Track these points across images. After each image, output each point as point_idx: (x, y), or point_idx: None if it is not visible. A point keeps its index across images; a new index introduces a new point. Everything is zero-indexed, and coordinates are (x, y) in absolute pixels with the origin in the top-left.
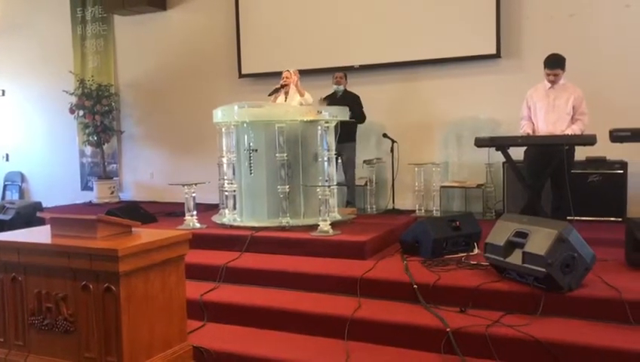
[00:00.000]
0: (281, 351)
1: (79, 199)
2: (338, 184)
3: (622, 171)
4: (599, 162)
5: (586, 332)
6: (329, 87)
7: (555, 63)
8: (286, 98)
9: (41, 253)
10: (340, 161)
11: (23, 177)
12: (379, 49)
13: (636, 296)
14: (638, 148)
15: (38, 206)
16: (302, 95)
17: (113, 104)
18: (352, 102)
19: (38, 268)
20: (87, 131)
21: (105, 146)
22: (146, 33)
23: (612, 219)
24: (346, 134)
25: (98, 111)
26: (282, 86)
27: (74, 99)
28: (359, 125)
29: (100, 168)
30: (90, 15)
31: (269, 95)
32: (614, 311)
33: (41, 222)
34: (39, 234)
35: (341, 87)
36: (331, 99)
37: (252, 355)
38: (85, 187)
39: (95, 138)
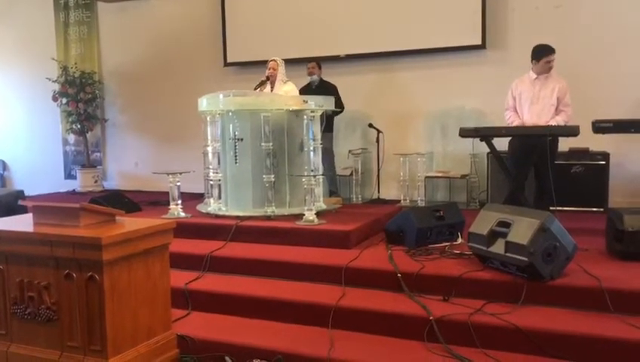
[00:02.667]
0: (265, 339)
1: (62, 188)
2: (323, 174)
3: (604, 162)
4: (582, 153)
5: (566, 320)
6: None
7: (551, 49)
8: (272, 88)
9: (23, 241)
10: None
11: (4, 165)
12: (365, 38)
13: (616, 284)
14: (620, 139)
15: (20, 194)
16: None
17: (97, 92)
18: (328, 92)
19: (20, 256)
20: (70, 119)
21: (88, 135)
22: (130, 20)
23: (594, 209)
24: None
25: (82, 99)
26: (268, 78)
27: (57, 87)
28: (337, 115)
29: (84, 157)
30: (73, 2)
31: (255, 89)
32: (595, 299)
33: (23, 210)
34: (21, 223)
35: (315, 77)
36: (306, 90)
37: (236, 343)
38: (69, 176)
39: (78, 126)
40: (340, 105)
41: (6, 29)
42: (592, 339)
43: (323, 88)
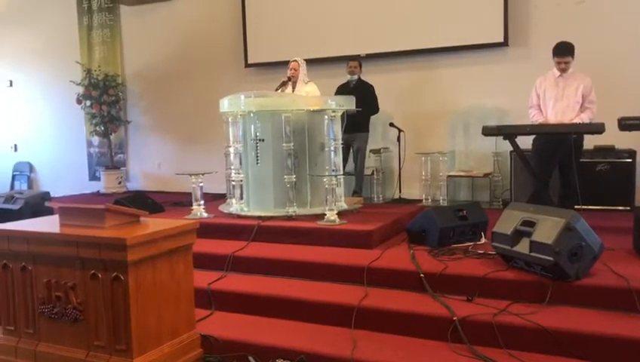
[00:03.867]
0: (288, 339)
1: (87, 189)
2: (345, 173)
3: (630, 160)
4: (608, 151)
5: (593, 320)
6: (337, 76)
7: (565, 51)
8: (293, 89)
9: (50, 242)
10: (351, 150)
11: (31, 167)
12: (385, 37)
13: None
14: None
15: (46, 196)
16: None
17: (120, 94)
18: (365, 92)
19: (47, 257)
20: (94, 121)
21: (112, 136)
22: (152, 23)
23: (620, 207)
24: (358, 124)
25: (105, 101)
26: (289, 78)
27: (81, 90)
28: (372, 115)
29: (108, 158)
30: (97, 5)
31: (276, 90)
32: (622, 299)
33: (49, 211)
34: (48, 224)
35: (355, 77)
36: (344, 89)
37: (259, 343)
38: (93, 177)
39: (102, 128)
40: (375, 105)
41: (31, 33)
42: (619, 340)
43: (361, 88)
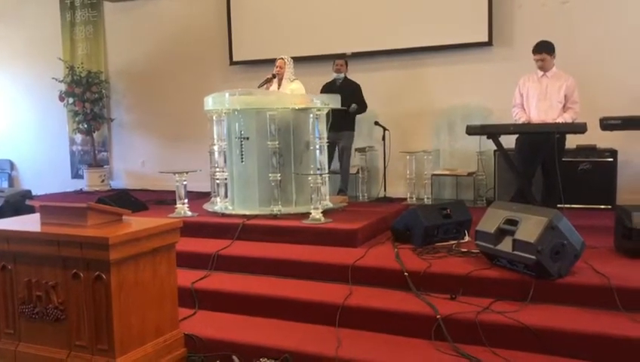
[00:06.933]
0: (272, 338)
1: (70, 187)
2: (330, 172)
3: (612, 159)
4: (590, 150)
5: (574, 318)
6: (323, 75)
7: (540, 48)
8: (279, 86)
9: (31, 241)
10: (336, 148)
11: (12, 165)
12: (371, 36)
13: (625, 282)
14: (628, 136)
15: (27, 194)
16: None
17: (103, 91)
18: (352, 91)
19: (28, 256)
20: (77, 119)
21: (95, 134)
22: (137, 19)
23: (602, 206)
24: (345, 122)
25: (88, 98)
26: (274, 75)
27: (63, 87)
28: (358, 114)
29: (91, 156)
30: (79, 1)
31: (259, 86)
32: (603, 297)
33: (30, 210)
34: (29, 223)
35: (341, 75)
36: (330, 87)
37: (244, 342)
38: (76, 175)
39: (85, 126)
40: (362, 104)
41: (13, 30)
42: (600, 338)
43: (347, 86)
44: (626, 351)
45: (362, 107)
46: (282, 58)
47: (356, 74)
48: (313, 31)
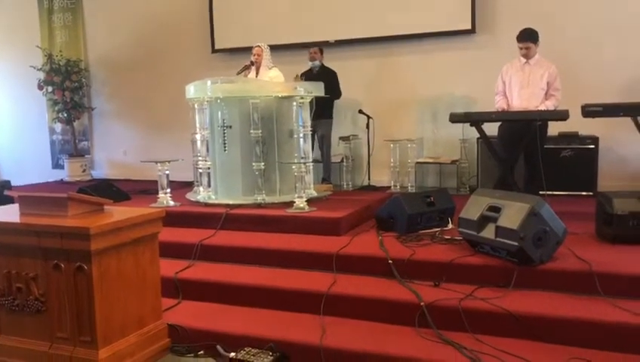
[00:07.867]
0: (257, 327)
1: (50, 177)
2: (314, 161)
3: (593, 146)
4: (571, 137)
5: (556, 304)
6: (300, 63)
7: (525, 36)
8: (257, 74)
9: (10, 232)
10: (315, 137)
11: None
12: (354, 24)
13: (605, 268)
14: (609, 123)
15: (5, 184)
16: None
17: (83, 80)
18: (329, 78)
19: (7, 247)
20: (56, 108)
21: (75, 123)
22: (116, 6)
23: (583, 193)
24: (322, 110)
25: (68, 87)
26: (252, 63)
27: (42, 75)
28: (335, 101)
29: (71, 146)
30: None
31: (238, 73)
32: (584, 283)
33: (9, 200)
34: (7, 213)
35: (317, 63)
36: (307, 76)
37: (228, 332)
38: (56, 165)
39: (65, 115)
40: (337, 91)
41: None
42: (581, 322)
43: (324, 74)
44: (607, 335)
45: (336, 94)
46: (259, 45)
47: (339, 62)
48: (295, 19)
